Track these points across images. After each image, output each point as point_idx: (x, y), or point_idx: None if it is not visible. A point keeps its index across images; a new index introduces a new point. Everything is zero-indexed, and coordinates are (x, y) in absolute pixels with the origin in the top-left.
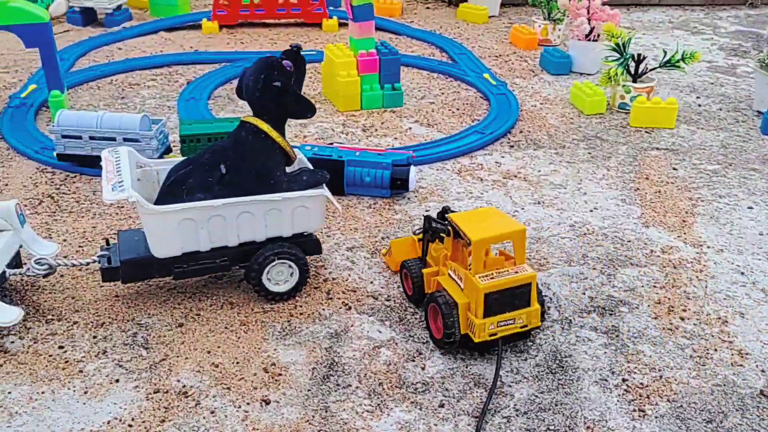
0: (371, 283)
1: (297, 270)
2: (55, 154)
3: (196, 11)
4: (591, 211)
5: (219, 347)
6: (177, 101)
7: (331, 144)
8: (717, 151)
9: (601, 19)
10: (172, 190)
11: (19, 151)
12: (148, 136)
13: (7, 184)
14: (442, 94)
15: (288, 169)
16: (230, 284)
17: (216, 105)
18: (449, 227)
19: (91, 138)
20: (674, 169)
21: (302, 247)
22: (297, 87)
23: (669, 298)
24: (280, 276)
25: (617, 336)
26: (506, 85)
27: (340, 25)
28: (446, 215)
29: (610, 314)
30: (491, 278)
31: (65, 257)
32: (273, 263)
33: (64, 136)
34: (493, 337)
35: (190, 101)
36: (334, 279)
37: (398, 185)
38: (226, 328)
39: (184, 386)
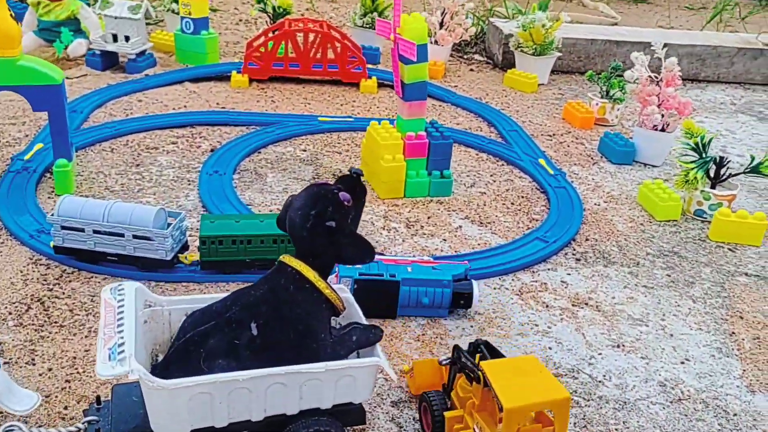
0: None
1: None
2: (51, 245)
3: (226, 61)
4: (682, 362)
5: None
6: (198, 175)
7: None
8: None
9: (672, 107)
10: (186, 353)
11: (12, 232)
12: (163, 235)
13: None
14: (494, 181)
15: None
16: None
17: (242, 182)
18: (480, 374)
19: (95, 232)
20: None
21: (342, 419)
22: (354, 224)
23: None
24: None
25: None
26: (565, 174)
27: (380, 86)
28: (477, 353)
29: None
30: None
31: (46, 425)
32: None
33: (63, 227)
34: None
35: (213, 175)
36: None
37: (461, 304)
38: None
39: None
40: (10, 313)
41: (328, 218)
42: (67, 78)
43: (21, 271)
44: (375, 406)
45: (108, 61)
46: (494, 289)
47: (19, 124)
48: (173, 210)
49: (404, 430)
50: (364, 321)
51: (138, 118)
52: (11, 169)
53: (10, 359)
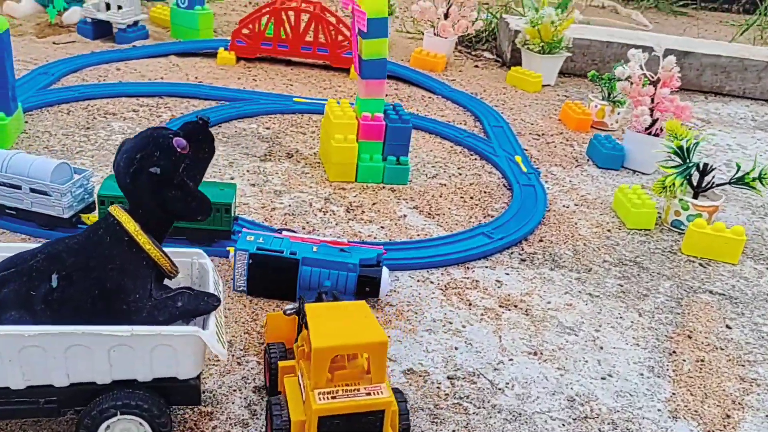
0: None
1: (149, 430)
2: None
3: (220, 38)
4: (603, 378)
5: None
6: None
7: (279, 232)
8: None
9: (668, 110)
10: None
11: None
12: (59, 191)
13: None
14: (460, 174)
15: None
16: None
17: None
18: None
19: None
20: (728, 326)
21: (167, 396)
22: (192, 176)
23: None
24: None
25: None
26: (539, 173)
27: None
28: (324, 300)
29: None
30: (333, 397)
31: None
32: (113, 419)
33: None
34: None
35: None
36: None
37: (367, 292)
38: None
39: None
40: None
41: (152, 164)
42: (54, 43)
43: None
44: (234, 390)
45: (100, 30)
46: (417, 281)
47: None
48: (82, 168)
49: (257, 418)
50: (212, 292)
51: (105, 84)
52: None
53: None
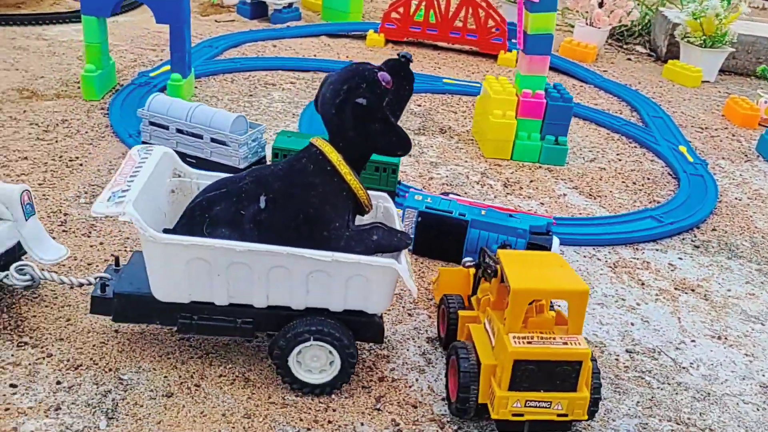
0: (444, 400)
1: (338, 359)
2: (141, 142)
3: (368, 21)
4: None
5: None
6: (303, 110)
7: (446, 195)
8: None
9: None
10: (193, 216)
11: (114, 130)
12: (238, 141)
13: (82, 164)
14: (619, 160)
15: (360, 220)
16: (258, 352)
17: None
18: (498, 268)
19: (178, 131)
20: None
21: (355, 330)
22: (393, 112)
23: None
24: (314, 362)
25: None
26: (707, 164)
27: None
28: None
29: None
30: (528, 342)
31: (59, 272)
32: (307, 344)
33: (151, 123)
34: (517, 418)
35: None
36: (393, 381)
37: None
38: (223, 415)
39: None
40: (85, 192)
41: (359, 95)
42: (216, 21)
43: (110, 162)
44: (408, 338)
45: (257, 11)
46: (584, 257)
47: (158, 50)
48: (255, 122)
49: (432, 366)
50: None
51: (265, 58)
52: (135, 82)
53: (68, 228)
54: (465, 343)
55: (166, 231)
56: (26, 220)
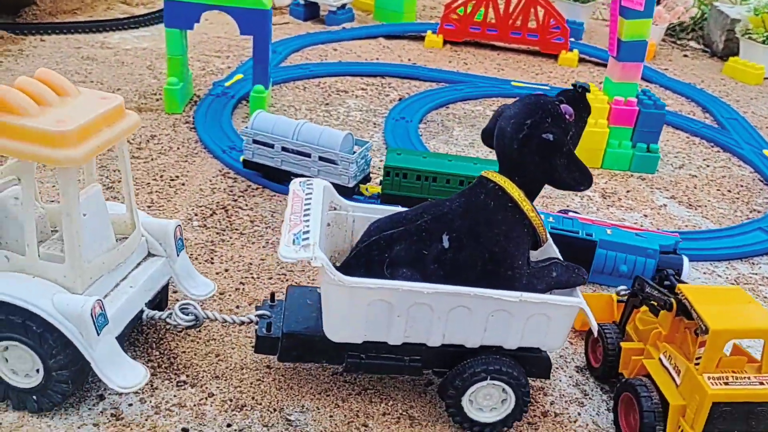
0: None
1: (513, 397)
2: (241, 159)
3: (422, 21)
4: None
5: None
6: (385, 119)
7: (566, 212)
8: None
9: None
10: (370, 256)
11: (206, 146)
12: (348, 160)
13: (184, 184)
14: (707, 166)
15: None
16: (415, 387)
17: (427, 131)
18: (674, 301)
19: (284, 149)
20: None
21: (527, 367)
22: (574, 144)
23: None
24: (486, 400)
25: None
26: None
27: (581, 60)
28: (668, 282)
29: None
30: (725, 383)
31: (217, 311)
32: (483, 383)
33: (255, 141)
34: None
35: (399, 121)
36: (556, 416)
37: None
38: None
39: None
40: (196, 215)
41: (544, 130)
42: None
43: (210, 181)
44: (557, 368)
45: (310, 12)
46: (704, 273)
47: (224, 57)
48: (361, 139)
49: (590, 398)
50: (560, 257)
51: (331, 63)
52: (212, 93)
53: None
54: (642, 380)
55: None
56: (177, 255)
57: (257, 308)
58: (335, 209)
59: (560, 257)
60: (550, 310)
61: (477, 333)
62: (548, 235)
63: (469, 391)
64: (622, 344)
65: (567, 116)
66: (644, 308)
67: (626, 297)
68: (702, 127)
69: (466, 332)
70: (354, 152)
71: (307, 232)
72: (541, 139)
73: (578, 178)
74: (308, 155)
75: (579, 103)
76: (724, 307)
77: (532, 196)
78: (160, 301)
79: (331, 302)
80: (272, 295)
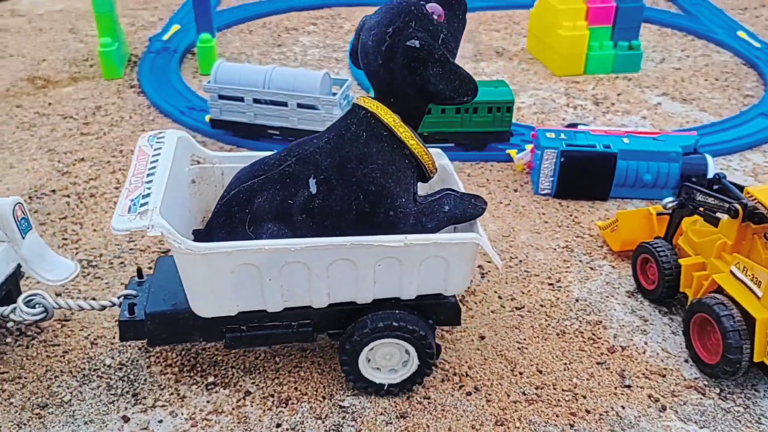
0: (687, 362)
1: (415, 355)
2: (207, 118)
3: None
4: None
5: None
6: (348, 53)
7: (574, 126)
8: None
9: None
10: (230, 213)
11: (161, 110)
12: (331, 102)
13: None
14: (687, 57)
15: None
16: (469, 347)
17: None
18: (740, 206)
19: (256, 101)
20: None
21: (433, 316)
22: (449, 50)
23: None
24: (387, 360)
25: None
26: None
27: None
28: (718, 186)
29: None
30: None
31: (76, 297)
32: (377, 341)
33: (221, 97)
34: None
35: None
36: (623, 350)
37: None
38: (473, 427)
39: None
40: None
41: (408, 36)
42: None
43: None
44: (607, 296)
45: None
46: (721, 168)
47: (151, 8)
48: (338, 77)
49: (651, 324)
50: (461, 190)
51: (273, 0)
52: (150, 50)
53: None
54: (718, 297)
55: (195, 233)
56: (23, 237)
57: (126, 287)
58: (198, 163)
59: (461, 187)
60: (444, 251)
61: (366, 287)
62: (449, 164)
63: (364, 353)
64: (681, 261)
65: (436, 16)
66: (692, 218)
67: (671, 209)
68: (671, 16)
69: (353, 288)
70: (335, 93)
71: (147, 195)
72: (406, 48)
73: (459, 88)
74: (284, 104)
75: (450, 0)
76: None
77: (414, 120)
78: (6, 293)
79: (188, 274)
80: (139, 270)
